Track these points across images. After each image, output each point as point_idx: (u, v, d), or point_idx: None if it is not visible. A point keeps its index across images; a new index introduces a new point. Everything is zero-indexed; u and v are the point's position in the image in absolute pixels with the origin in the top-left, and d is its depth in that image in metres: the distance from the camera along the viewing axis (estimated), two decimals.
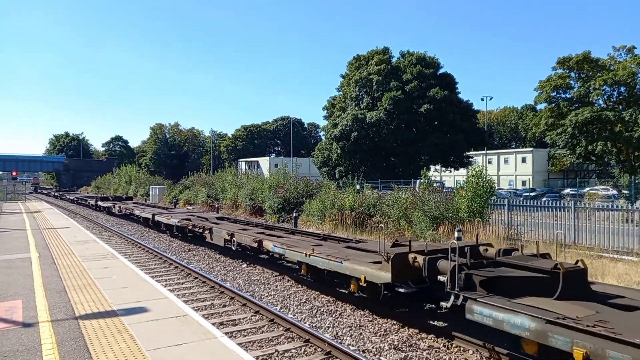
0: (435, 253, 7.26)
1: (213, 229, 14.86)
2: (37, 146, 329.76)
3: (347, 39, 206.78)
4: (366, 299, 8.40)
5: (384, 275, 7.24)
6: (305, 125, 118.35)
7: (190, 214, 21.45)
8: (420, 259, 7.12)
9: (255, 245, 11.82)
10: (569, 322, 4.84)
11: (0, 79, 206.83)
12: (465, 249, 6.98)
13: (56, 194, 70.02)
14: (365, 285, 7.73)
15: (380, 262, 7.59)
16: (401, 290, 7.73)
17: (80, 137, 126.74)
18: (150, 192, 43.81)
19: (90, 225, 24.20)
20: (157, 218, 20.87)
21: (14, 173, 66.78)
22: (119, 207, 29.47)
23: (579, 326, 4.70)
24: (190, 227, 16.88)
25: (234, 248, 13.35)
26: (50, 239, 14.72)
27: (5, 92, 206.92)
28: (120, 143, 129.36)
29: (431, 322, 7.49)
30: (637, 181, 28.01)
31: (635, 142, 41.16)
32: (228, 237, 13.50)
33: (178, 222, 17.74)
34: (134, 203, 33.80)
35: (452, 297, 6.09)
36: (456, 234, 12.89)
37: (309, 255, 9.13)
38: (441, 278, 6.62)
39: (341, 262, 8.18)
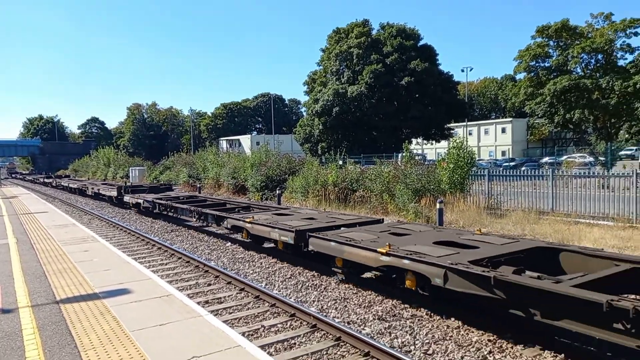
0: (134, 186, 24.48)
1: (89, 187, 29.63)
2: (11, 130, 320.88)
3: (327, 11, 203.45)
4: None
5: (115, 194, 22.94)
6: (287, 102, 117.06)
7: (88, 182, 36.90)
8: (123, 187, 23.27)
9: (97, 190, 26.75)
10: (146, 198, 19.25)
11: None
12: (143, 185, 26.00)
13: (19, 176, 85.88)
14: (113, 197, 23.18)
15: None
16: (119, 197, 22.04)
17: (55, 120, 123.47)
18: (130, 174, 42.91)
19: (69, 209, 23.77)
20: (70, 185, 36.40)
21: None
22: (56, 182, 44.13)
23: (147, 198, 19.32)
24: (80, 188, 31.99)
25: (92, 194, 28.22)
26: (28, 224, 14.41)
27: None
28: (96, 125, 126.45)
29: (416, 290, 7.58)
30: (613, 148, 28.61)
31: (612, 109, 41.89)
32: (93, 190, 27.94)
33: (76, 186, 33.47)
34: (69, 179, 47.21)
35: (124, 195, 21.85)
36: (438, 205, 13.16)
37: (108, 192, 24.35)
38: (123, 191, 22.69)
39: (110, 190, 24.60)
